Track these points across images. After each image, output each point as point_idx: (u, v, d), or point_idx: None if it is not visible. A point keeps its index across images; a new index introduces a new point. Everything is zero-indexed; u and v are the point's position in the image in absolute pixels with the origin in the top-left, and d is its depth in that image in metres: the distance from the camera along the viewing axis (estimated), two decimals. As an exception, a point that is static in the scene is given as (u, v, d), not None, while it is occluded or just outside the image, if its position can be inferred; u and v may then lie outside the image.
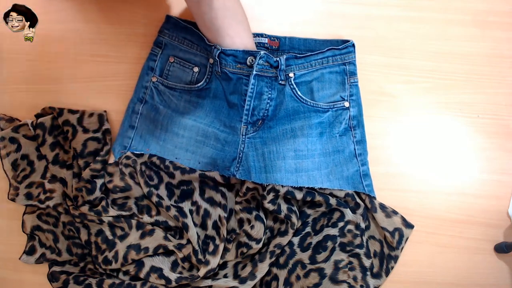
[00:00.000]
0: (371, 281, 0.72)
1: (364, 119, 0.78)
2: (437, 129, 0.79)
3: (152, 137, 0.77)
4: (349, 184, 0.73)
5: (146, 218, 0.74)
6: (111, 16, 0.84)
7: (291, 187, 0.71)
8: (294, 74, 0.75)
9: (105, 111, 0.79)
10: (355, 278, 0.71)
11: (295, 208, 0.73)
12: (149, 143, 0.77)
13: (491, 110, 0.79)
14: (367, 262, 0.71)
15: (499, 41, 0.81)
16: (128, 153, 0.75)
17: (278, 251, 0.72)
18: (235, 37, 0.71)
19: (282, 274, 0.72)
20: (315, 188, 0.72)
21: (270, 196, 0.71)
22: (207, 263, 0.70)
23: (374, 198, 0.74)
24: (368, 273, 0.71)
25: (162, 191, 0.75)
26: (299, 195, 0.71)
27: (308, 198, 0.71)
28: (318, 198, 0.71)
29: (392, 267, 0.73)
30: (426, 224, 0.75)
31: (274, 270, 0.73)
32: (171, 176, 0.76)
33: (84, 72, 0.82)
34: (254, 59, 0.72)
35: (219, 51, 0.72)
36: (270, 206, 0.71)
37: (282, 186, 0.70)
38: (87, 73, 0.82)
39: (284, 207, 0.71)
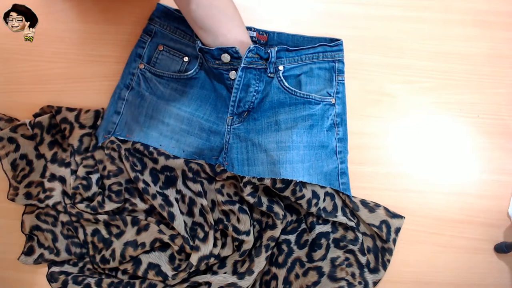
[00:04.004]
0: (370, 277, 0.72)
1: (363, 119, 0.78)
2: (437, 129, 0.79)
3: (137, 124, 0.77)
4: (326, 180, 0.73)
5: (140, 205, 0.74)
6: (111, 16, 0.84)
7: (273, 183, 0.70)
8: (284, 67, 0.75)
9: (102, 108, 0.79)
10: (353, 275, 0.71)
11: (276, 199, 0.73)
12: (133, 129, 0.76)
13: (491, 110, 0.79)
14: (362, 259, 0.71)
15: (499, 41, 0.81)
16: (112, 138, 0.75)
17: (272, 244, 0.72)
18: (228, 34, 0.71)
19: (281, 273, 0.72)
20: (298, 183, 0.71)
21: (248, 189, 0.71)
22: (197, 248, 0.70)
23: (353, 196, 0.74)
24: (365, 269, 0.72)
25: (147, 177, 0.75)
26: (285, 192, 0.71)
27: (292, 198, 0.71)
28: (298, 202, 0.71)
29: (389, 260, 0.73)
30: (426, 224, 0.75)
31: (273, 269, 0.73)
32: (155, 161, 0.76)
33: (84, 72, 0.82)
34: (228, 55, 0.72)
35: (198, 48, 0.73)
36: (250, 199, 0.71)
37: (259, 179, 0.70)
38: (87, 73, 0.82)
39: (264, 199, 0.72)
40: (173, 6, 0.82)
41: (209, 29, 0.70)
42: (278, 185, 0.70)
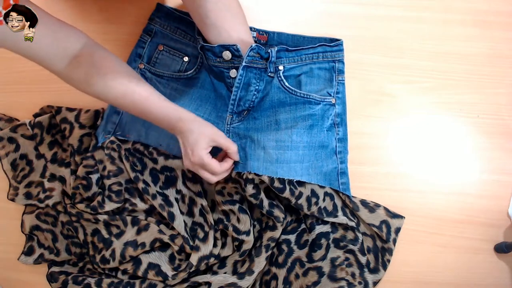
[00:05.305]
0: (370, 277, 0.72)
1: (363, 119, 0.78)
2: (437, 129, 0.79)
3: (137, 124, 0.77)
4: (325, 180, 0.73)
5: (140, 205, 0.74)
6: (111, 16, 0.84)
7: (271, 181, 0.70)
8: (284, 67, 0.75)
9: (102, 108, 0.79)
10: (353, 275, 0.71)
11: (276, 202, 0.73)
12: (133, 129, 0.76)
13: (491, 110, 0.79)
14: (362, 259, 0.71)
15: (499, 41, 0.81)
16: (112, 138, 0.75)
17: (272, 244, 0.72)
18: (231, 31, 0.71)
19: (281, 273, 0.72)
20: (295, 182, 0.71)
21: (250, 190, 0.70)
22: (197, 248, 0.71)
23: (353, 196, 0.74)
24: (366, 269, 0.72)
25: (147, 177, 0.75)
26: (285, 193, 0.70)
27: (292, 200, 0.71)
28: (299, 201, 0.71)
29: (389, 260, 0.73)
30: (426, 224, 0.75)
31: (273, 269, 0.73)
32: (154, 162, 0.76)
33: (84, 72, 0.82)
34: (229, 53, 0.72)
35: (200, 45, 0.73)
36: (252, 200, 0.71)
37: (256, 174, 0.69)
38: (87, 73, 0.82)
39: (266, 203, 0.71)
40: (173, 6, 0.82)
41: (213, 24, 0.70)
42: (276, 184, 0.70)
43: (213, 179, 0.66)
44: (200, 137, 0.64)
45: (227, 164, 0.67)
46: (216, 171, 0.65)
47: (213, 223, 0.73)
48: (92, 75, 0.62)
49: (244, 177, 0.70)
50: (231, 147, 0.67)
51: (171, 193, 0.75)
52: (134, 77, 0.65)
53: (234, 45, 0.71)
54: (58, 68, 0.62)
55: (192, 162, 0.65)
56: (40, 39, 0.56)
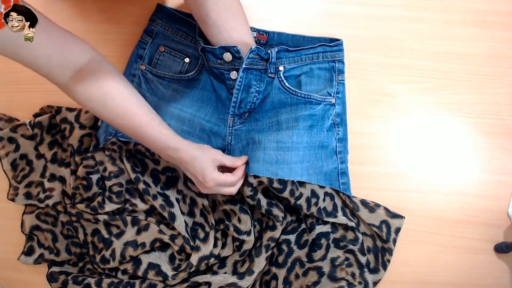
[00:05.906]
0: (370, 277, 0.72)
1: (363, 119, 0.78)
2: (437, 129, 0.79)
3: None
4: (326, 180, 0.73)
5: (140, 205, 0.74)
6: (111, 17, 0.84)
7: (269, 182, 0.69)
8: (284, 67, 0.75)
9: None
10: (353, 275, 0.71)
11: (275, 202, 0.73)
12: None
13: (491, 110, 0.79)
14: (362, 259, 0.72)
15: (499, 41, 0.81)
16: (114, 139, 0.75)
17: (272, 244, 0.72)
18: (232, 31, 0.71)
19: (281, 273, 0.72)
20: (295, 182, 0.71)
21: (248, 192, 0.70)
22: (197, 248, 0.71)
23: (353, 196, 0.74)
24: (365, 269, 0.72)
25: (148, 178, 0.75)
26: (283, 192, 0.70)
27: (291, 200, 0.71)
28: (299, 201, 0.71)
29: (389, 260, 0.73)
30: (426, 224, 0.75)
31: (273, 269, 0.73)
32: (156, 163, 0.76)
33: (84, 72, 0.82)
34: (230, 55, 0.72)
35: (200, 47, 0.73)
36: (249, 201, 0.71)
37: (255, 177, 0.69)
38: (87, 73, 0.82)
39: (264, 202, 0.71)
40: (173, 6, 0.82)
41: (214, 23, 0.70)
42: (275, 185, 0.69)
43: (233, 190, 0.68)
44: (206, 162, 0.65)
45: (240, 171, 0.69)
46: (233, 181, 0.67)
47: (214, 223, 0.73)
48: (93, 92, 0.61)
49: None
50: (235, 162, 0.70)
51: (172, 193, 0.75)
52: (136, 99, 0.64)
53: (235, 46, 0.71)
54: (59, 80, 0.60)
55: (208, 188, 0.66)
56: (42, 48, 0.55)
